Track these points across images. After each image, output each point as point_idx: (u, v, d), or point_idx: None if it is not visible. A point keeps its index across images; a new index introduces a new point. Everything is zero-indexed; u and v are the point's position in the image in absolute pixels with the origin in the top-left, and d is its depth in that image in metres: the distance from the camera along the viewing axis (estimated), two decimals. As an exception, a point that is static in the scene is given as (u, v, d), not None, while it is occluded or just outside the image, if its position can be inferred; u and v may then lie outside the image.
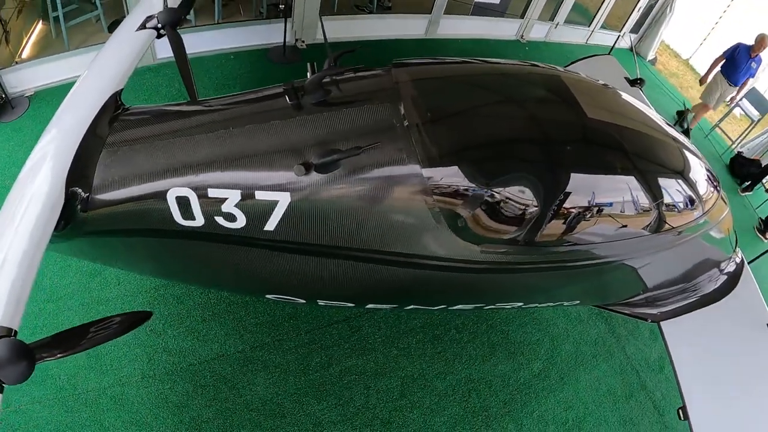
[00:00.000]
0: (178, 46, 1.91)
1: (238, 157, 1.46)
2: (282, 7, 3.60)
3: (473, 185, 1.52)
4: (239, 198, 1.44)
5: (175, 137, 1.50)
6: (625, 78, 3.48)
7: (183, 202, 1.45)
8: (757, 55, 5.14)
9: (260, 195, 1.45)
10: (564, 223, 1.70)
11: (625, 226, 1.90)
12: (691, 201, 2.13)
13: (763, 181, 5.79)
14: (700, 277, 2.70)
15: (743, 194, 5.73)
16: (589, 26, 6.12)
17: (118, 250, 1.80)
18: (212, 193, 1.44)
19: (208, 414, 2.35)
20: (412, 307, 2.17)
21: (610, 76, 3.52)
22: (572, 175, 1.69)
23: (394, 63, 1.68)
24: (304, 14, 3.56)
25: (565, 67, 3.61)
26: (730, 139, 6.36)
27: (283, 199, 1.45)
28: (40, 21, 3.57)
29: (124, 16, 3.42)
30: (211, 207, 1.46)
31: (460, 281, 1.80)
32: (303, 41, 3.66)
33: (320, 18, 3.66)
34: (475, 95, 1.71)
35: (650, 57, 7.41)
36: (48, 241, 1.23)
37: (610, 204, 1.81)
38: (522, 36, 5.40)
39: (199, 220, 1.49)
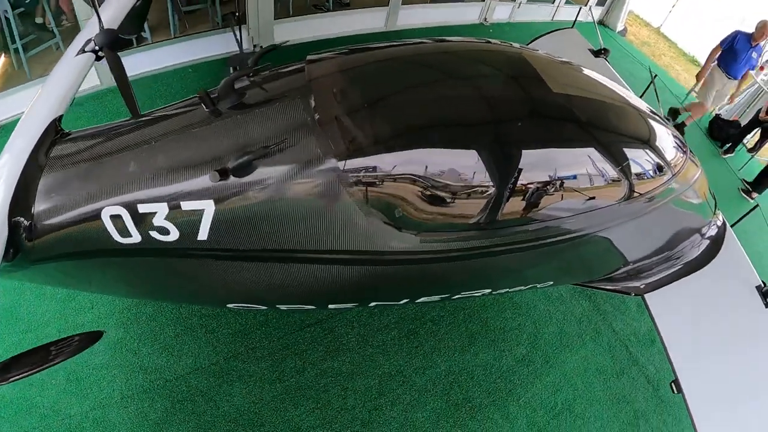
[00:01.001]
0: (116, 66, 1.89)
1: (162, 170, 1.45)
2: (237, 15, 3.58)
3: (399, 173, 1.48)
4: (167, 211, 1.44)
5: (106, 157, 1.50)
6: (589, 50, 3.38)
7: (117, 221, 1.44)
8: (757, 44, 4.68)
9: (186, 205, 1.44)
10: (514, 202, 1.65)
11: (586, 197, 1.84)
12: (657, 166, 2.07)
13: (744, 141, 5.66)
14: (681, 244, 2.62)
15: (725, 156, 5.61)
16: (553, 2, 5.96)
17: (72, 275, 1.79)
18: (142, 208, 1.44)
19: (187, 428, 2.34)
20: (375, 303, 2.14)
21: (574, 50, 3.44)
22: (509, 152, 1.65)
23: (308, 58, 1.65)
24: (259, 20, 3.54)
25: (527, 44, 3.55)
26: None
27: (208, 208, 1.44)
28: (2, 54, 3.60)
29: None
30: (144, 222, 1.45)
31: (409, 273, 1.75)
32: (261, 46, 3.63)
33: (236, 26, 3.60)
34: (394, 80, 1.64)
35: (619, 28, 7.24)
36: None
37: (566, 177, 1.75)
38: (485, 19, 5.28)
39: (136, 237, 1.49)
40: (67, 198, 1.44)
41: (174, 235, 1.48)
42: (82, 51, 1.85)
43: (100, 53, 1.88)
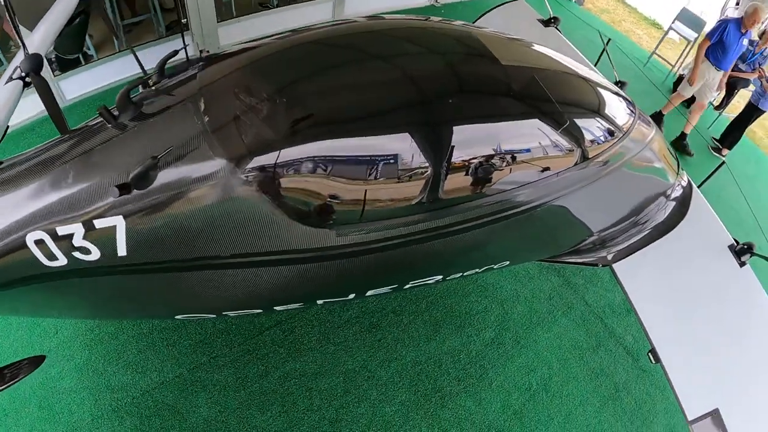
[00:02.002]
0: (43, 90, 1.89)
1: (73, 190, 1.45)
2: (185, 21, 3.56)
3: (305, 167, 1.45)
4: (83, 231, 1.44)
5: (25, 183, 1.50)
6: (539, 20, 3.28)
7: (42, 245, 1.45)
8: (747, 31, 4.26)
9: (98, 224, 1.44)
10: (449, 180, 1.61)
11: (527, 168, 1.79)
12: (604, 129, 2.02)
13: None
14: (645, 209, 2.53)
15: None
16: None
17: (20, 302, 1.81)
18: (60, 231, 1.44)
19: None
20: (322, 301, 2.12)
21: (523, 21, 3.35)
22: (434, 130, 1.61)
23: (204, 58, 1.62)
24: (202, 25, 3.51)
25: (475, 21, 3.47)
26: (669, 63, 6.05)
27: (119, 223, 1.44)
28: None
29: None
30: (65, 244, 1.46)
31: (342, 268, 1.73)
32: (207, 50, 3.57)
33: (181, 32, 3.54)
34: (290, 69, 1.60)
35: None
36: None
37: (504, 149, 1.71)
38: (436, 0, 5.16)
39: (62, 260, 1.50)
40: None
41: (96, 254, 1.49)
42: (10, 79, 1.86)
43: (27, 79, 1.88)
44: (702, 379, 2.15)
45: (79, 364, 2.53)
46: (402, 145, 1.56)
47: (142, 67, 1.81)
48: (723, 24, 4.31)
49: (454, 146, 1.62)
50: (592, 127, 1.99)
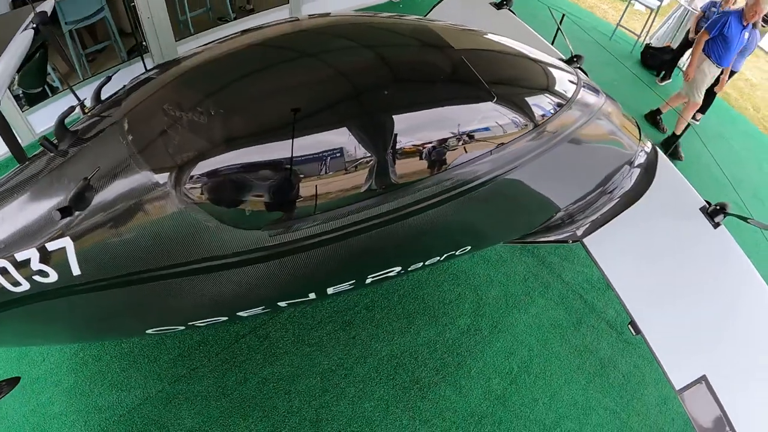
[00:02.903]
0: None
1: (27, 218, 1.56)
2: (145, 44, 3.69)
3: (220, 178, 1.53)
4: (39, 255, 1.55)
5: None
6: (491, 3, 3.33)
7: (5, 273, 1.57)
8: (749, 24, 4.02)
9: (50, 246, 1.55)
10: (387, 165, 1.67)
11: (465, 144, 1.83)
12: (543, 100, 2.06)
13: (679, 64, 5.47)
14: (609, 179, 2.53)
15: (662, 84, 5.43)
16: None
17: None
18: (19, 257, 1.55)
19: None
20: (284, 303, 2.19)
21: (477, 6, 3.39)
22: (358, 120, 1.67)
23: (137, 76, 1.72)
24: (160, 45, 3.62)
25: (428, 11, 3.52)
26: (635, 34, 6.03)
27: (68, 244, 1.55)
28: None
29: None
30: (25, 270, 1.57)
31: (293, 265, 1.79)
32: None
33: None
34: (207, 78, 1.69)
35: None
36: None
37: (443, 129, 1.77)
38: None
39: (25, 285, 1.61)
40: None
41: (53, 276, 1.60)
42: None
43: None
44: (686, 346, 2.15)
45: (66, 388, 2.65)
46: (335, 136, 1.63)
47: (77, 97, 1.92)
48: (723, 17, 4.05)
49: (390, 132, 1.68)
50: (529, 99, 2.03)
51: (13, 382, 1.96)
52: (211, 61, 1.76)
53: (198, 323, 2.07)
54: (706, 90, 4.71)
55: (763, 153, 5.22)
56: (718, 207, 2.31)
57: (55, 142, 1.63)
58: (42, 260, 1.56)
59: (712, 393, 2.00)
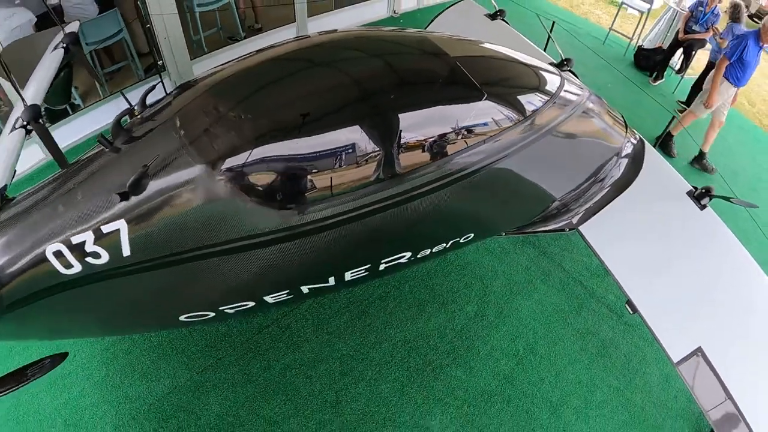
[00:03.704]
0: (44, 134, 2.31)
1: (84, 205, 1.82)
2: (161, 63, 4.05)
3: (263, 165, 1.83)
4: (93, 237, 1.80)
5: (42, 207, 1.87)
6: (485, 15, 3.70)
7: (60, 256, 1.81)
8: (765, 44, 4.19)
9: (105, 229, 1.80)
10: (395, 155, 1.97)
11: (460, 136, 2.12)
12: (530, 96, 2.37)
13: (671, 63, 5.88)
14: (600, 168, 2.80)
15: (656, 84, 5.81)
16: None
17: (41, 318, 2.10)
18: (74, 240, 1.80)
19: None
20: (307, 289, 2.46)
21: (472, 18, 3.77)
22: (375, 119, 1.99)
23: (180, 85, 2.04)
24: (177, 64, 3.99)
25: (428, 24, 3.90)
26: (627, 37, 6.49)
27: (122, 226, 1.81)
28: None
29: None
30: (79, 252, 1.81)
31: (320, 244, 2.06)
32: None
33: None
34: (245, 84, 2.01)
35: None
36: None
37: (442, 124, 2.08)
38: (394, 11, 5.61)
39: (77, 267, 1.84)
40: (20, 247, 1.82)
41: (105, 257, 1.84)
42: (13, 128, 2.29)
43: (28, 127, 2.31)
44: (680, 321, 2.37)
45: (97, 381, 2.87)
46: (350, 131, 1.93)
47: (128, 102, 2.23)
48: (742, 41, 4.21)
49: (395, 128, 1.99)
50: (514, 96, 2.33)
51: (61, 357, 2.08)
52: (245, 70, 2.10)
53: (227, 308, 2.32)
54: (698, 85, 5.13)
55: (757, 145, 5.55)
56: (703, 190, 2.59)
57: (110, 138, 1.93)
58: (96, 242, 1.80)
59: (708, 363, 2.20)
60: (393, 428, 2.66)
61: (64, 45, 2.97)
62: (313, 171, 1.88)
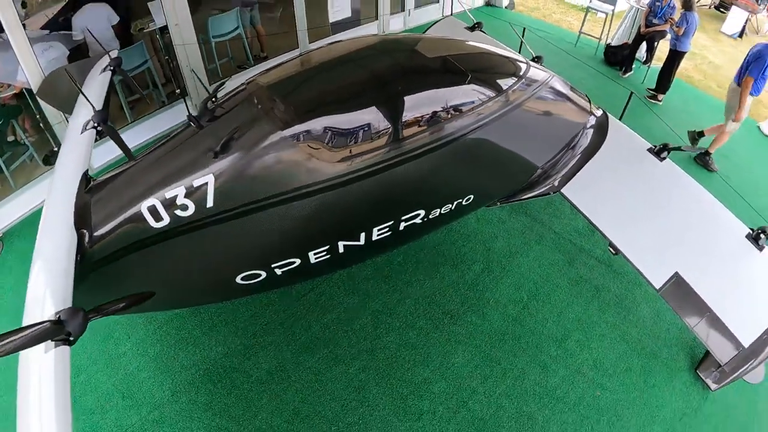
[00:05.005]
0: (113, 133, 2.95)
1: (177, 166, 2.40)
2: (178, 91, 4.82)
3: (325, 125, 2.51)
4: (184, 191, 2.35)
5: (134, 174, 2.45)
6: (465, 28, 4.60)
7: (152, 210, 2.31)
8: None
9: (196, 182, 2.37)
10: (407, 123, 2.64)
11: (454, 109, 2.81)
12: (504, 77, 3.09)
13: (637, 56, 6.97)
14: (572, 139, 3.46)
15: (625, 76, 6.87)
16: (438, 2, 7.51)
17: (127, 274, 2.57)
18: (167, 195, 2.34)
19: (231, 399, 3.13)
20: (342, 246, 3.06)
21: (454, 32, 4.65)
22: (393, 99, 2.68)
23: (247, 80, 2.78)
24: (197, 89, 4.76)
25: (423, 33, 4.79)
26: (596, 38, 7.66)
27: (210, 179, 2.37)
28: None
29: (53, 148, 4.53)
30: (170, 204, 2.31)
31: (357, 192, 2.65)
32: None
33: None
34: (308, 73, 2.81)
35: (506, 4, 8.84)
36: (75, 262, 2.16)
37: (439, 100, 2.77)
38: (384, 33, 6.60)
39: (166, 219, 2.32)
40: (116, 206, 2.36)
41: (191, 208, 2.32)
42: (84, 129, 2.91)
43: (98, 128, 2.95)
44: (657, 253, 2.87)
45: (152, 356, 3.34)
46: (379, 105, 2.62)
47: (208, 90, 2.93)
48: (762, 59, 4.80)
49: (408, 103, 2.70)
50: (491, 78, 3.04)
51: (147, 296, 2.49)
52: (305, 60, 2.90)
53: (277, 267, 2.89)
54: (663, 72, 6.15)
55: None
56: (661, 146, 3.30)
57: (197, 117, 2.51)
58: (186, 195, 2.29)
59: (686, 284, 2.70)
60: (423, 367, 3.23)
61: (112, 68, 3.69)
62: (354, 133, 2.57)
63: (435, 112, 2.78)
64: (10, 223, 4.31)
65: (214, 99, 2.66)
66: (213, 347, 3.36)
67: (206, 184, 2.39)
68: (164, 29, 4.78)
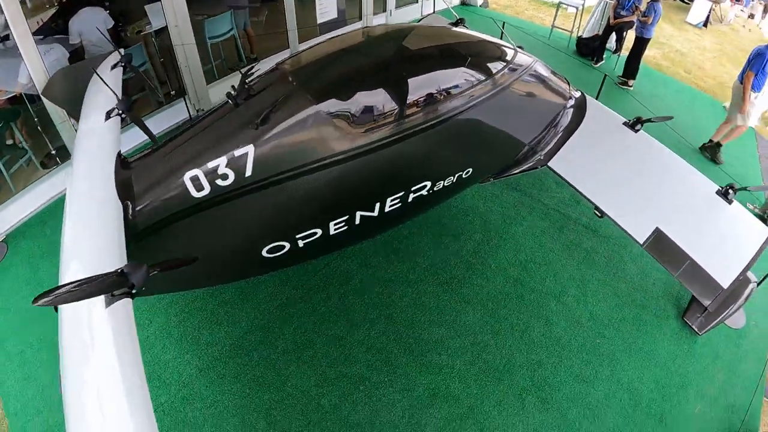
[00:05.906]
0: (137, 120, 3.20)
1: (219, 139, 2.67)
2: (173, 93, 5.10)
3: (348, 100, 2.85)
4: (226, 161, 2.62)
5: (173, 151, 2.70)
6: (449, 23, 5.09)
7: (195, 181, 2.55)
8: None
9: (237, 153, 2.64)
10: (411, 103, 3.02)
11: (451, 90, 3.21)
12: (493, 62, 3.51)
13: (607, 46, 7.69)
14: (555, 118, 3.92)
15: (597, 66, 7.57)
16: (417, 2, 8.10)
17: (171, 244, 2.73)
18: (210, 165, 2.58)
19: (259, 371, 3.39)
20: (359, 217, 3.40)
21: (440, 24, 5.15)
22: (399, 81, 3.08)
23: (276, 63, 3.13)
24: (196, 89, 5.06)
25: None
26: (568, 31, 8.38)
27: (250, 150, 2.66)
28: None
29: (51, 152, 4.64)
30: (211, 175, 2.56)
31: (365, 166, 2.97)
32: (203, 109, 5.13)
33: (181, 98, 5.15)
34: (336, 57, 3.17)
35: (480, 2, 9.55)
36: (122, 225, 2.42)
37: (435, 83, 3.16)
38: None
39: (207, 188, 2.56)
40: (160, 177, 2.61)
41: (231, 177, 2.57)
42: (108, 117, 3.15)
43: (123, 115, 3.21)
44: (638, 213, 3.23)
45: (176, 337, 3.56)
46: (393, 83, 3.00)
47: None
48: (762, 55, 5.32)
49: (419, 83, 3.10)
50: (484, 61, 3.49)
51: (189, 261, 2.66)
52: (328, 46, 3.29)
53: (300, 238, 3.19)
54: (631, 58, 6.79)
55: (693, 102, 7.23)
56: (634, 120, 3.80)
57: (235, 95, 2.78)
58: (227, 165, 2.54)
59: (667, 238, 3.07)
60: (438, 326, 3.59)
61: (123, 64, 3.96)
62: (374, 108, 2.94)
63: (441, 92, 3.18)
64: (12, 225, 4.47)
65: (247, 80, 2.99)
66: (237, 324, 3.62)
67: (246, 154, 2.67)
68: (159, 32, 5.08)
